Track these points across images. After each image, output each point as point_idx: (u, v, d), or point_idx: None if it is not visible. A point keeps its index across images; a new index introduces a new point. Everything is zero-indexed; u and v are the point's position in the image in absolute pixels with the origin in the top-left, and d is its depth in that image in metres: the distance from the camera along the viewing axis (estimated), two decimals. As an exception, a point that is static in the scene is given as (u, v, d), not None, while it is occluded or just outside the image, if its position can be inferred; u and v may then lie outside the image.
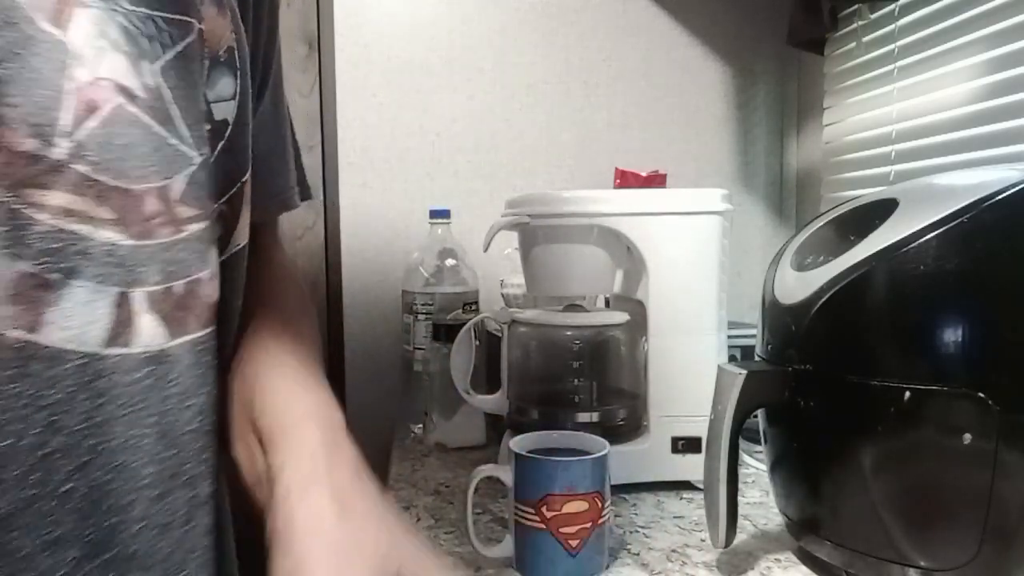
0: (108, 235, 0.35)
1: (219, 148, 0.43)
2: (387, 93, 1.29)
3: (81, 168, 0.34)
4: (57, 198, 0.33)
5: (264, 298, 0.52)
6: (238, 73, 0.44)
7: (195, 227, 0.39)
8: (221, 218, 0.44)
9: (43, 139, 0.32)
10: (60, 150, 0.33)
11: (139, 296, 0.36)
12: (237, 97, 0.44)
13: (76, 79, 0.33)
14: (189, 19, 0.40)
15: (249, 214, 0.47)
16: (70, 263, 0.34)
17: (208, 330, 0.41)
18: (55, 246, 0.33)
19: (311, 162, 1.27)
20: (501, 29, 1.30)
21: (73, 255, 0.34)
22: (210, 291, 0.41)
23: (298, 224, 1.27)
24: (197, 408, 0.40)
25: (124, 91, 0.35)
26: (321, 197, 1.28)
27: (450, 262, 1.17)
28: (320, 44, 1.26)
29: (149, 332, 0.37)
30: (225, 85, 0.43)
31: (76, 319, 0.34)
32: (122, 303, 0.36)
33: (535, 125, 1.32)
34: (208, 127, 0.42)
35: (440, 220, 1.18)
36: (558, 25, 1.31)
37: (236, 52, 0.44)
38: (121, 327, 0.36)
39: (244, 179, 0.46)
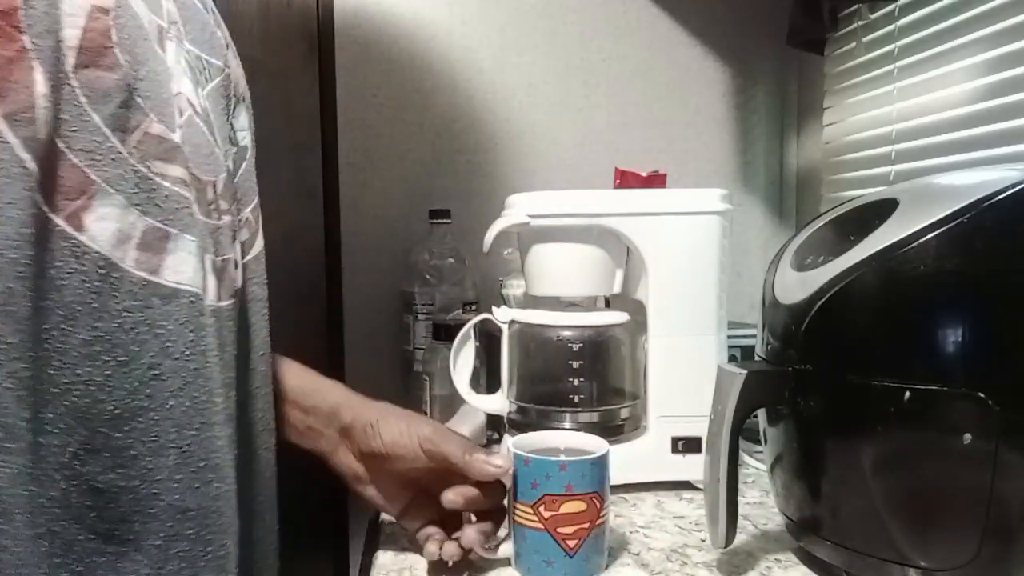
0: (196, 208, 0.43)
1: (243, 168, 0.53)
2: (387, 93, 1.29)
3: (187, 151, 0.42)
4: (176, 170, 0.41)
5: None
6: (250, 110, 0.55)
7: (227, 218, 0.48)
8: (247, 225, 0.54)
9: (166, 126, 0.41)
10: (176, 136, 0.41)
11: (208, 260, 0.44)
12: (251, 128, 0.55)
13: (173, 89, 0.42)
14: (221, 64, 0.51)
15: (262, 224, 0.57)
16: (183, 221, 0.41)
17: (232, 301, 0.48)
18: (175, 206, 0.41)
19: (311, 162, 1.27)
20: (501, 29, 1.30)
21: (186, 215, 0.42)
22: (233, 272, 0.49)
23: (298, 224, 1.27)
24: (227, 359, 0.47)
25: (192, 105, 0.45)
26: (321, 197, 1.28)
27: (450, 262, 1.17)
28: (320, 44, 1.26)
29: (213, 289, 0.45)
30: (244, 119, 0.54)
31: (186, 266, 0.42)
32: (204, 261, 0.44)
33: (535, 125, 1.32)
34: (235, 150, 0.52)
35: (440, 220, 1.18)
36: (558, 25, 1.31)
37: (247, 94, 0.55)
38: (205, 280, 0.44)
39: (257, 194, 0.56)
